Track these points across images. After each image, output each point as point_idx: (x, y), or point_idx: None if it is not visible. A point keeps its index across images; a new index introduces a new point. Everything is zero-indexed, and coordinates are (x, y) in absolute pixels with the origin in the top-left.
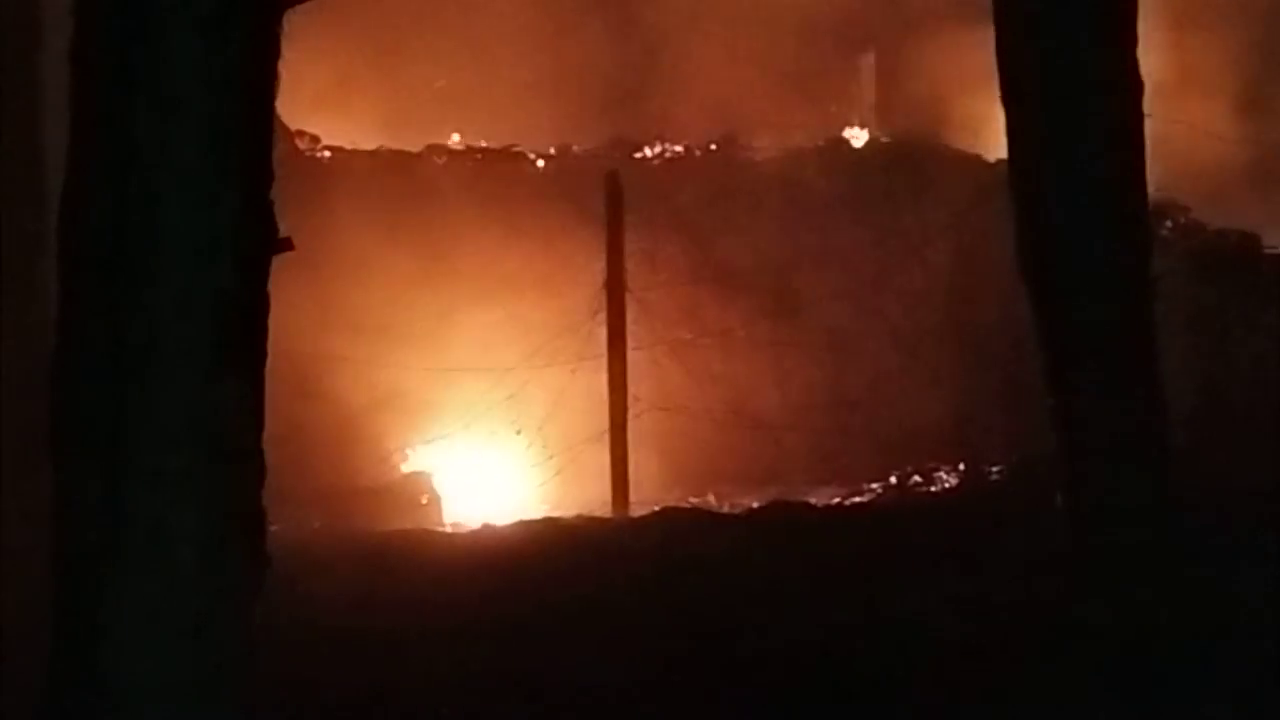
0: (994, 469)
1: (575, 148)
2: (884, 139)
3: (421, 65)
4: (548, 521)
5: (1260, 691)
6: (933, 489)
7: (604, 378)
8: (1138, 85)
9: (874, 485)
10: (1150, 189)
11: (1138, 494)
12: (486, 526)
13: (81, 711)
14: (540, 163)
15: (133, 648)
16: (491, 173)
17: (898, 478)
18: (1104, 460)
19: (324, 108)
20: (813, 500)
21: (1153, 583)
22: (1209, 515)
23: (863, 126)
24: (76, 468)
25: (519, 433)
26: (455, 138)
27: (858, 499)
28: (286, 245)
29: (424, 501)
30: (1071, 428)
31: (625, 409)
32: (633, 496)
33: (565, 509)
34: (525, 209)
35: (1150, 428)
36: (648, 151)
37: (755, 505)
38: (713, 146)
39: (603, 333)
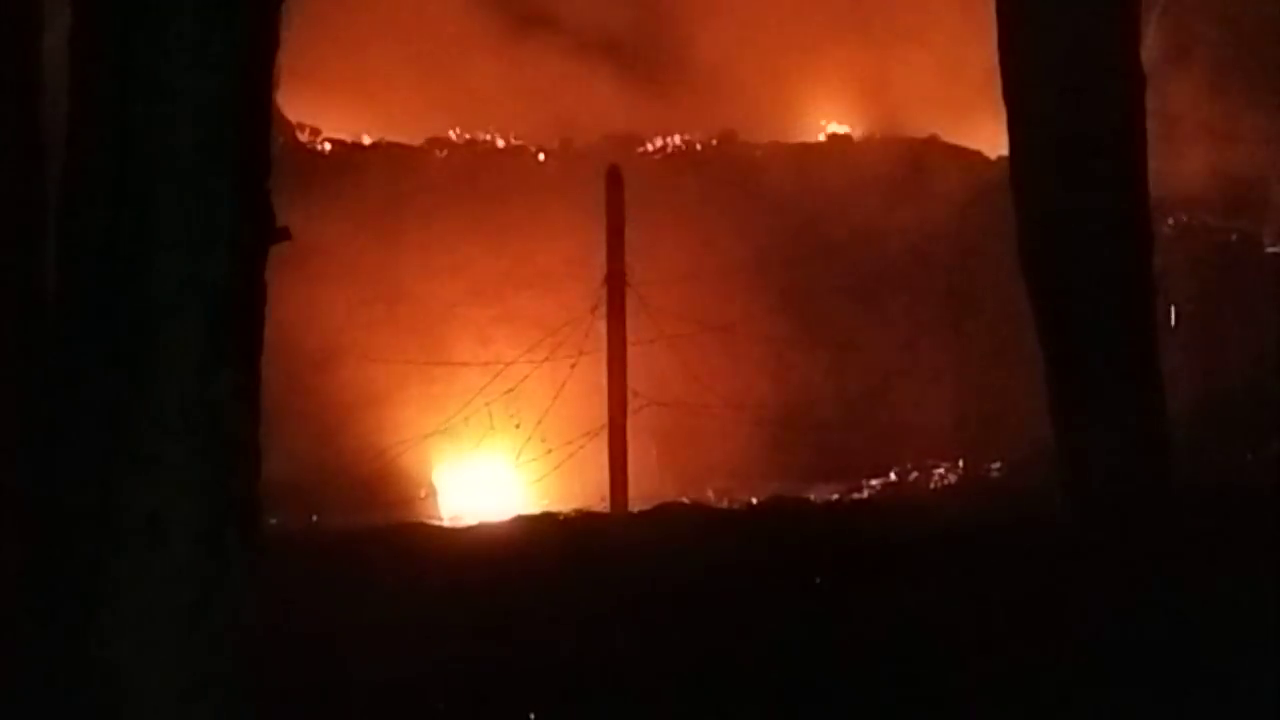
0: (994, 466)
1: (576, 142)
2: (885, 135)
3: (422, 57)
4: (546, 516)
5: (1260, 690)
6: (932, 486)
7: (603, 372)
8: (1140, 82)
9: (874, 482)
10: (1151, 186)
11: (1137, 492)
12: (484, 521)
13: (77, 704)
14: (541, 156)
15: (127, 638)
16: (492, 166)
17: (897, 474)
18: (1104, 458)
19: (323, 99)
20: (812, 496)
21: (1153, 581)
22: (1208, 514)
23: (863, 122)
24: (72, 457)
25: (518, 427)
26: (456, 131)
27: (857, 495)
28: (284, 235)
29: (422, 495)
30: (1071, 425)
31: (625, 404)
32: (631, 492)
33: (564, 504)
34: (526, 203)
35: (1150, 426)
36: (649, 146)
37: (754, 501)
38: (714, 141)
39: (603, 327)
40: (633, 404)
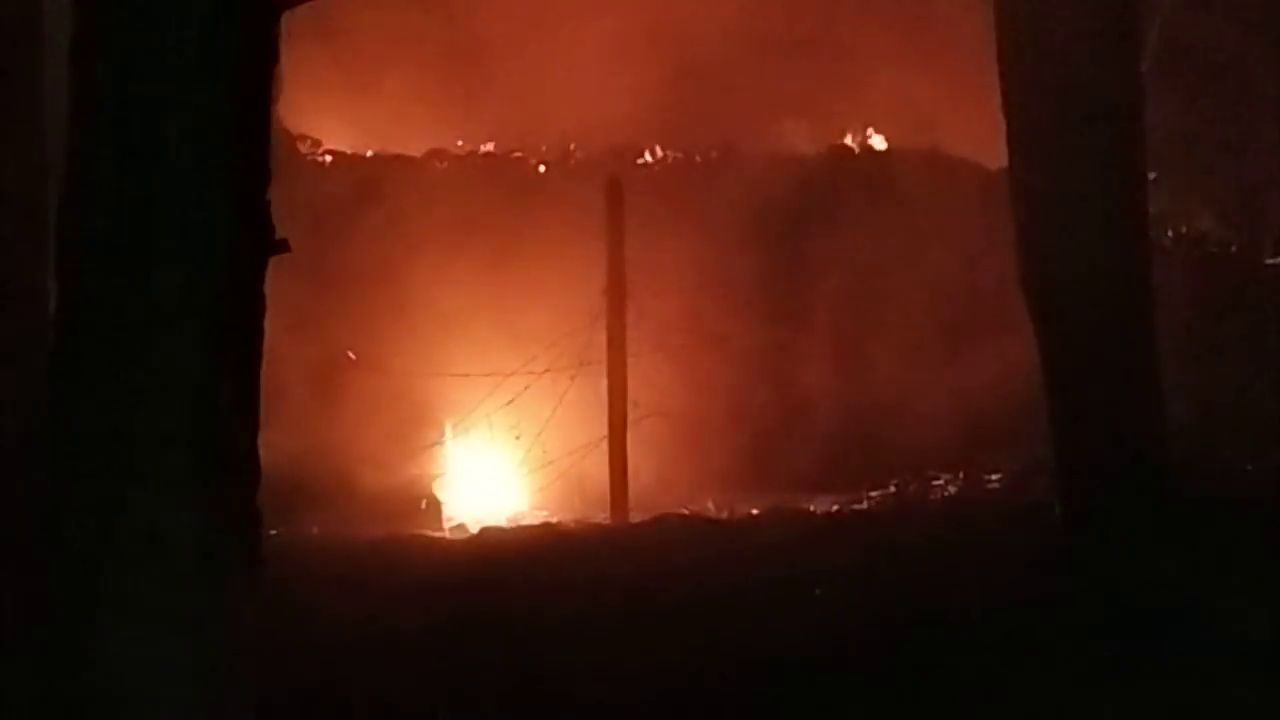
0: (993, 477)
1: (576, 153)
2: (884, 146)
3: (423, 68)
4: (546, 527)
5: (1259, 692)
6: (932, 497)
7: (604, 383)
8: (1139, 94)
9: (873, 493)
10: (1150, 198)
11: (1136, 503)
12: (485, 531)
13: (77, 715)
14: (541, 168)
15: (127, 649)
16: (492, 178)
17: (897, 485)
18: (1103, 470)
19: (325, 111)
20: (812, 507)
21: (1152, 589)
22: (1207, 524)
23: (863, 134)
24: (72, 468)
25: (518, 438)
26: (458, 143)
27: (857, 506)
28: (283, 247)
29: (422, 506)
30: (1071, 437)
31: (625, 415)
32: (631, 503)
33: (564, 514)
34: (526, 214)
35: (1149, 438)
36: (649, 157)
37: (754, 512)
38: (714, 153)
39: (603, 338)
40: (633, 415)
